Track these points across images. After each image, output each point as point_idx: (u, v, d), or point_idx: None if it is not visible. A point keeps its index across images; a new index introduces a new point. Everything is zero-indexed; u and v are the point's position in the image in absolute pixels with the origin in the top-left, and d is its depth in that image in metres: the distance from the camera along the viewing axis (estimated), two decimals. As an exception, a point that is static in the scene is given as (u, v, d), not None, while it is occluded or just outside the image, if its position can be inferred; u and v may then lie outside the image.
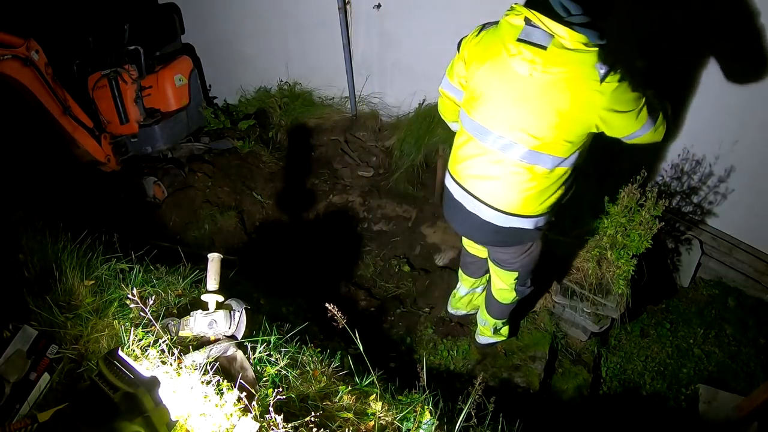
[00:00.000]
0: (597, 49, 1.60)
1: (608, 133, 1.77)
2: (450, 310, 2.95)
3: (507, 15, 1.72)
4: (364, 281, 3.39)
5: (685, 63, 2.91)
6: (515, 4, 1.72)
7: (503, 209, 1.92)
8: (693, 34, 2.81)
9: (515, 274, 2.27)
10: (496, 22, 1.79)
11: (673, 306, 3.47)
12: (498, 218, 1.94)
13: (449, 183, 2.09)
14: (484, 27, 1.83)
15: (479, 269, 2.63)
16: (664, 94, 3.13)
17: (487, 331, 2.71)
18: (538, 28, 1.63)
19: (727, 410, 2.69)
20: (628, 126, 1.75)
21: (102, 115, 3.78)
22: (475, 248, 2.50)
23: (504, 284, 2.35)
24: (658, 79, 3.05)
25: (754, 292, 3.39)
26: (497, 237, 2.06)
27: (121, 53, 3.68)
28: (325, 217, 3.85)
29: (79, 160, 3.58)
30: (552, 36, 1.61)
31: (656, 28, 2.87)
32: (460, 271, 2.75)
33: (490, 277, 2.47)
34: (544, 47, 1.63)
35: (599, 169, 3.14)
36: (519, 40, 1.66)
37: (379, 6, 3.62)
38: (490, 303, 2.56)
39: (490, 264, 2.34)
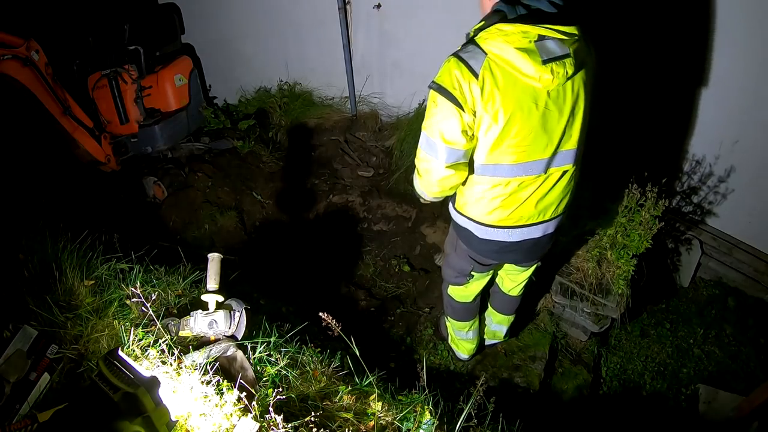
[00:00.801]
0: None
1: None
2: (466, 357, 2.74)
3: (507, 39, 1.53)
4: (364, 281, 3.39)
5: (684, 63, 2.91)
6: (498, 25, 1.54)
7: (557, 215, 1.92)
8: (692, 34, 2.81)
9: (539, 262, 2.28)
10: (474, 49, 1.58)
11: (673, 306, 3.47)
12: (552, 225, 1.94)
13: (496, 234, 1.91)
14: (469, 66, 1.57)
15: (476, 309, 2.52)
16: (664, 95, 3.15)
17: (500, 333, 2.71)
18: (549, 39, 1.54)
19: (727, 410, 2.69)
20: None
21: (102, 115, 3.78)
22: (477, 289, 2.38)
23: (524, 277, 2.35)
24: (658, 80, 3.06)
25: (754, 292, 3.39)
26: (549, 244, 2.06)
27: (121, 53, 3.68)
28: (325, 217, 3.85)
29: (79, 160, 3.58)
30: (562, 39, 1.56)
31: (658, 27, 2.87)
32: (453, 322, 2.57)
33: (497, 282, 2.48)
34: (568, 54, 1.56)
35: (598, 170, 3.14)
36: (545, 62, 1.53)
37: (379, 6, 3.62)
38: (506, 303, 2.54)
39: (510, 268, 2.31)
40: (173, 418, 1.30)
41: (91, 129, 3.53)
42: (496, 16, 1.57)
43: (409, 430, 1.59)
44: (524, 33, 1.52)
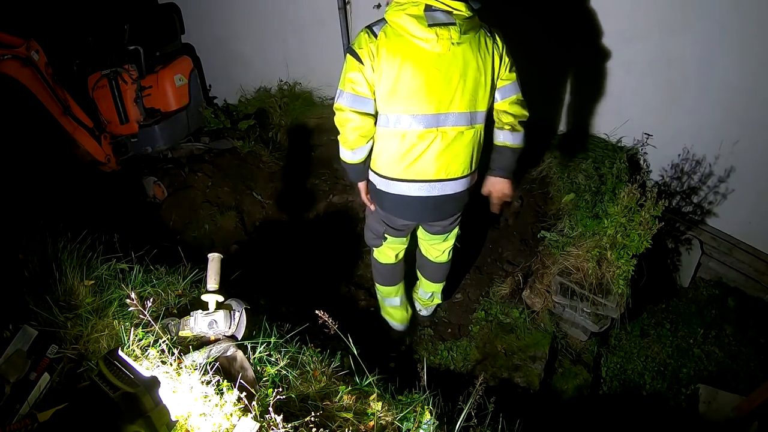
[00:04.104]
0: (475, 12, 1.91)
1: (499, 84, 2.08)
2: (400, 326, 2.97)
3: (403, 8, 1.85)
4: (364, 281, 3.38)
5: (685, 63, 2.91)
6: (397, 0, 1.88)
7: (459, 175, 2.13)
8: (692, 34, 2.81)
9: (457, 228, 2.52)
10: (381, 22, 1.94)
11: (673, 306, 3.47)
12: (459, 185, 2.15)
13: (399, 187, 2.14)
14: (372, 30, 1.93)
15: (400, 273, 2.77)
16: (665, 93, 3.14)
17: (435, 299, 2.92)
18: (439, 10, 1.85)
19: (727, 410, 2.69)
20: (511, 76, 2.08)
21: (102, 115, 3.78)
22: (394, 252, 2.63)
23: (448, 245, 2.60)
24: (657, 79, 3.06)
25: (754, 292, 3.39)
26: (455, 205, 2.28)
27: (121, 53, 3.68)
28: (325, 217, 3.85)
29: (79, 160, 3.58)
30: (451, 12, 1.85)
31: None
32: (381, 288, 2.82)
33: (424, 254, 2.69)
34: (453, 23, 1.86)
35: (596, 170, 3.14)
36: (430, 25, 1.83)
37: (378, 6, 3.62)
38: (436, 271, 2.75)
39: (429, 237, 2.55)
40: (173, 418, 1.29)
41: (91, 129, 3.52)
42: None
43: (409, 430, 1.59)
44: (414, 3, 1.85)
